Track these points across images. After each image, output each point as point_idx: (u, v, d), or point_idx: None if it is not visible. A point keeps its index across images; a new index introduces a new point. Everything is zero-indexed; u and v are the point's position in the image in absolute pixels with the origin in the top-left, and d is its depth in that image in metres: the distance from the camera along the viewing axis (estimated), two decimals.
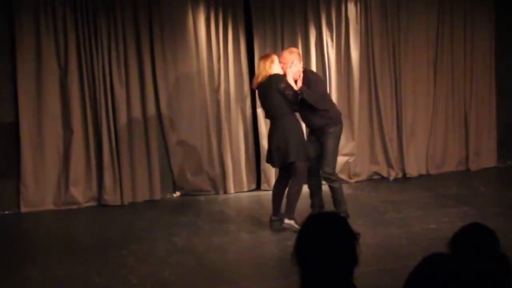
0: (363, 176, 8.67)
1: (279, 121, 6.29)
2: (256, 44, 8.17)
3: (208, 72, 8.09)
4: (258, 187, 8.40)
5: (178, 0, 7.98)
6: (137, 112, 7.90)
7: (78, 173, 7.78)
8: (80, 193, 7.80)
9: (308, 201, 6.69)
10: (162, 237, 6.45)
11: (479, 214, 6.62)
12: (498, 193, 7.93)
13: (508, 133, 9.24)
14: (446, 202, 7.31)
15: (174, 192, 8.24)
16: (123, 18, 7.75)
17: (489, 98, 9.13)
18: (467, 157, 9.06)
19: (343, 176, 8.30)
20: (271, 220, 6.50)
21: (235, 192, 8.24)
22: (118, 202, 7.84)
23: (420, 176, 8.78)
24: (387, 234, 6.22)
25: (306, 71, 6.61)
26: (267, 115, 6.54)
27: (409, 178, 8.70)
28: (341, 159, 8.18)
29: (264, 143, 7.75)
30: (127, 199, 7.91)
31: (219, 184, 8.23)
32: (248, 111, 8.28)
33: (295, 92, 6.25)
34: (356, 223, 2.38)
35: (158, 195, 8.06)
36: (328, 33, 8.38)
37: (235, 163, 8.25)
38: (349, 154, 8.54)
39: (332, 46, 8.40)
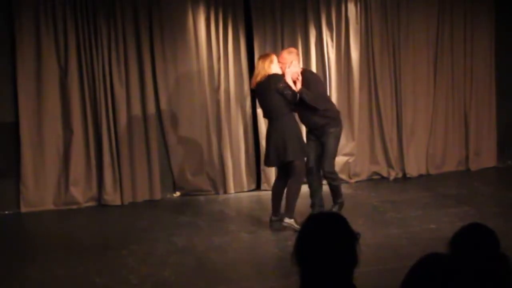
0: (363, 176, 8.67)
1: (277, 121, 6.29)
2: (256, 44, 8.17)
3: (208, 72, 8.10)
4: (258, 187, 8.40)
5: (178, 0, 7.98)
6: (137, 112, 7.91)
7: (78, 173, 7.78)
8: (80, 193, 7.80)
9: (308, 201, 6.69)
10: (162, 237, 6.44)
11: (479, 214, 6.61)
12: (498, 193, 7.93)
13: (508, 133, 9.24)
14: (446, 202, 7.31)
15: (174, 192, 8.24)
16: (123, 18, 7.75)
17: (489, 98, 9.13)
18: (467, 157, 9.06)
19: (343, 176, 8.30)
20: (271, 220, 6.50)
21: (235, 192, 8.24)
22: (118, 202, 7.84)
23: (420, 176, 8.78)
24: (387, 234, 6.21)
25: (306, 71, 6.62)
26: (265, 115, 6.54)
27: (409, 178, 8.70)
28: (341, 159, 8.19)
29: (264, 143, 7.74)
30: (127, 199, 7.91)
31: (219, 184, 8.23)
32: (248, 111, 8.28)
33: (293, 92, 6.25)
34: (356, 223, 2.38)
35: (158, 195, 8.06)
36: (328, 33, 8.38)
37: (235, 163, 8.25)
38: (349, 154, 8.54)
39: (332, 46, 8.40)
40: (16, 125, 7.61)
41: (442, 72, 8.86)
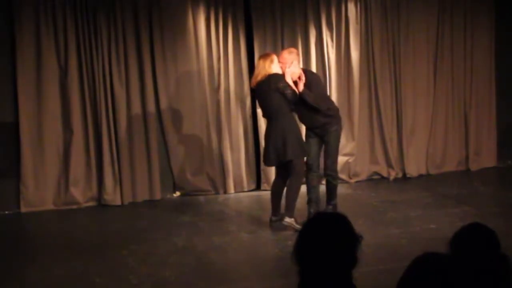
0: (363, 176, 8.67)
1: (277, 121, 6.28)
2: (256, 44, 8.17)
3: (208, 71, 8.10)
4: (258, 187, 8.40)
5: (178, 0, 7.98)
6: (137, 112, 7.91)
7: (78, 173, 7.78)
8: (80, 193, 7.81)
9: (306, 199, 6.67)
10: (162, 237, 6.44)
11: (479, 214, 6.61)
12: (498, 193, 7.93)
13: (508, 133, 9.24)
14: (446, 202, 7.31)
15: (174, 192, 8.24)
16: (123, 18, 7.75)
17: (489, 98, 9.13)
18: (467, 157, 9.06)
19: (343, 176, 8.31)
20: (271, 220, 6.50)
21: (235, 192, 8.24)
22: (118, 202, 7.84)
23: (420, 176, 8.78)
24: (387, 234, 6.21)
25: (306, 72, 6.62)
26: (265, 114, 6.53)
27: (409, 178, 8.70)
28: (341, 159, 8.17)
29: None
30: (127, 199, 7.91)
31: (219, 184, 8.24)
32: (248, 110, 8.28)
33: (294, 91, 6.25)
34: (356, 223, 2.37)
35: (158, 195, 8.06)
36: (328, 33, 8.39)
37: (235, 163, 8.25)
38: (349, 154, 8.54)
39: (332, 46, 8.40)
40: (16, 125, 7.61)
41: (442, 72, 8.86)
